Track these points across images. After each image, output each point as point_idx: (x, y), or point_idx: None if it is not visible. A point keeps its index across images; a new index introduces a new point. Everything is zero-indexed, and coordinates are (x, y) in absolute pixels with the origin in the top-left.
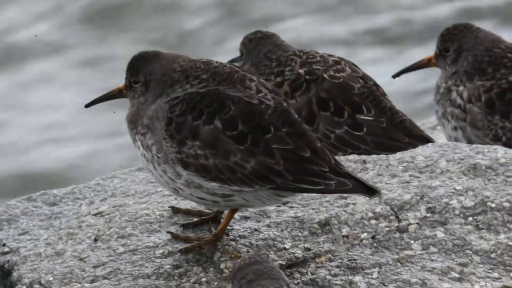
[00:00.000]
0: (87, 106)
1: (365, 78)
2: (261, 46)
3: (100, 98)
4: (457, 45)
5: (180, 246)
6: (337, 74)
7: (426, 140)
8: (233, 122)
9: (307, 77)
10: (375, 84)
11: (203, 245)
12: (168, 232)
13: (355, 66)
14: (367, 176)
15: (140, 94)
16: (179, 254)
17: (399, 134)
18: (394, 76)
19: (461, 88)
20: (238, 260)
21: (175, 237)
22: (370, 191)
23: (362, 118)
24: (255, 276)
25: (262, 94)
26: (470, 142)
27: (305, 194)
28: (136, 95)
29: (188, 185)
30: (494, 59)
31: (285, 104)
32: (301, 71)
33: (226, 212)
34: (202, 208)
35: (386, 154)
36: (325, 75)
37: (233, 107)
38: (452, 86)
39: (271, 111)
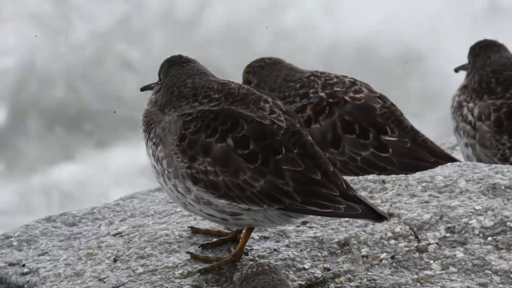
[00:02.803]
0: (142, 89)
1: (382, 98)
2: (277, 72)
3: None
4: (472, 61)
5: (200, 266)
6: (357, 96)
7: (450, 159)
8: (244, 141)
9: (330, 100)
10: (392, 104)
11: (223, 265)
12: (187, 252)
13: (369, 86)
14: (386, 196)
15: (155, 92)
16: (198, 274)
17: (424, 154)
18: (456, 70)
19: (471, 105)
20: (246, 267)
21: (194, 257)
22: (378, 216)
23: (387, 139)
24: None
25: (275, 115)
26: (479, 160)
27: (316, 216)
28: (155, 91)
29: (198, 201)
30: (503, 80)
31: (298, 125)
32: (323, 94)
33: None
34: (221, 228)
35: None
36: (346, 97)
37: (246, 126)
38: (463, 102)
39: (283, 132)
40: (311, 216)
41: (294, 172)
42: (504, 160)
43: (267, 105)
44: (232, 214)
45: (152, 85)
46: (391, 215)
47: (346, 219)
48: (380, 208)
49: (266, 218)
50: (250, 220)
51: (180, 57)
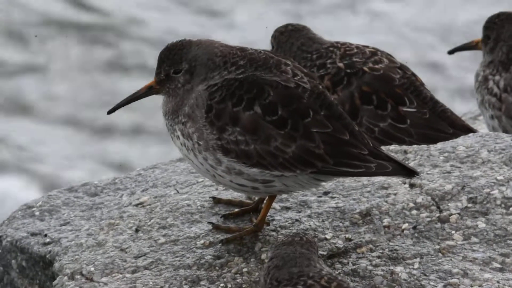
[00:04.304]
0: (110, 112)
1: (403, 68)
2: (293, 39)
3: (125, 101)
4: (495, 34)
5: (221, 236)
6: (376, 66)
7: (469, 130)
8: (272, 107)
9: (348, 70)
10: (413, 74)
11: (244, 235)
12: (209, 222)
13: (391, 56)
14: None
15: (184, 82)
16: (220, 244)
17: (443, 125)
18: (450, 52)
19: (497, 77)
20: (285, 235)
21: (216, 227)
22: (409, 173)
23: (405, 110)
24: (282, 262)
25: (298, 77)
26: (505, 131)
27: (346, 182)
28: (180, 85)
29: (229, 171)
30: None
31: (320, 87)
32: (341, 64)
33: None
34: (243, 198)
35: (427, 146)
36: (365, 68)
37: (272, 92)
38: (489, 75)
39: (308, 94)
40: (334, 184)
41: (323, 134)
42: None
43: (289, 68)
44: (264, 182)
45: (126, 101)
46: (412, 185)
47: (368, 189)
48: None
49: (297, 183)
50: (281, 186)
51: (186, 40)
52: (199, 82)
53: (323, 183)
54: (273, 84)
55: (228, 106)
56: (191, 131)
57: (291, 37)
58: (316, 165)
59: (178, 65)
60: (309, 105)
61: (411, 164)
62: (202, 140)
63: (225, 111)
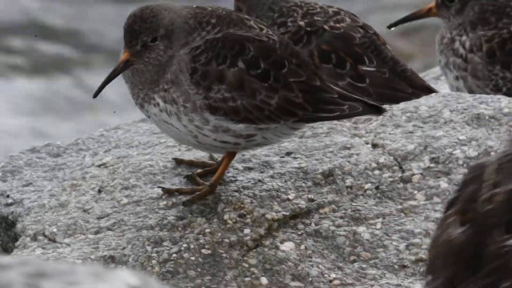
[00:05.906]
0: (95, 95)
1: (365, 27)
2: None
3: (106, 81)
4: None
5: (184, 197)
6: (337, 25)
7: (429, 90)
8: (255, 62)
9: (308, 28)
10: (375, 33)
11: (201, 196)
12: (159, 187)
13: (355, 16)
14: (370, 127)
15: (165, 49)
16: (182, 207)
17: (402, 85)
18: (390, 26)
19: (464, 38)
20: None
21: (167, 191)
22: (377, 110)
23: (365, 69)
24: None
25: (265, 31)
26: (471, 92)
27: (309, 143)
28: (161, 52)
29: (216, 130)
30: (497, 8)
31: (284, 37)
32: (302, 23)
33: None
34: (205, 159)
35: (389, 105)
36: (326, 26)
37: (252, 47)
38: (456, 36)
39: (278, 46)
40: (297, 145)
41: (299, 83)
42: (497, 90)
43: (252, 22)
44: (247, 137)
45: (109, 78)
46: (375, 145)
47: (331, 149)
48: (364, 138)
49: (275, 134)
50: (260, 139)
51: (154, 6)
52: (180, 47)
53: (297, 132)
54: (250, 39)
55: (213, 66)
56: (176, 96)
57: None
58: (297, 114)
59: (156, 32)
60: (283, 56)
61: (374, 124)
62: (189, 102)
63: (210, 71)
